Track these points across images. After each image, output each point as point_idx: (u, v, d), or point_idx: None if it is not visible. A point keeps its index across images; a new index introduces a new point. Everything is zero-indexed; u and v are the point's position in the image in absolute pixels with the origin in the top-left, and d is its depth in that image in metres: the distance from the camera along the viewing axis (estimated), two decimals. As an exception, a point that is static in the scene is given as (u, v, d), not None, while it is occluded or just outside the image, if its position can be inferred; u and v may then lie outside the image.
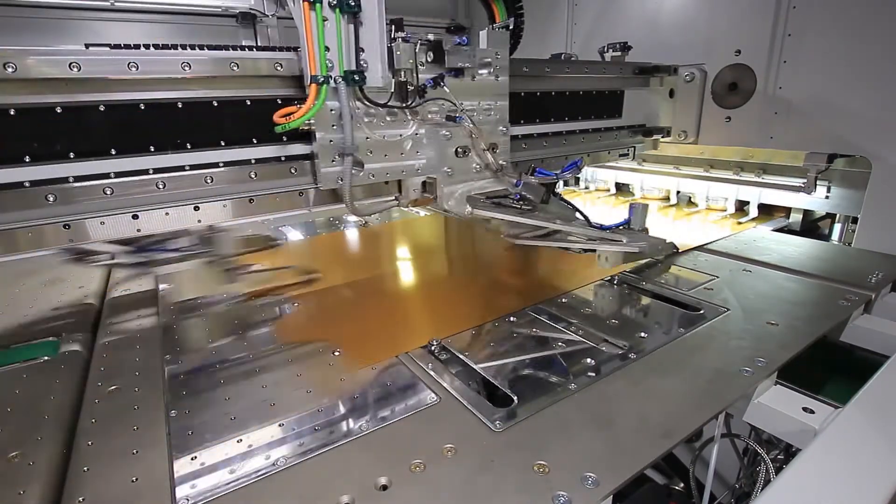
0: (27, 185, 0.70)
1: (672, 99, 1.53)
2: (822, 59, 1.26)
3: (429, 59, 0.91)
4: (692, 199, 1.80)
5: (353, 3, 0.76)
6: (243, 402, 0.70)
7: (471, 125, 0.95)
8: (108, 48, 0.72)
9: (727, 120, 1.47)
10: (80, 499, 0.54)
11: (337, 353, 0.82)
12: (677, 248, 1.22)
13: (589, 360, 0.77)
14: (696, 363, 0.75)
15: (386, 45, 0.83)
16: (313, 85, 0.77)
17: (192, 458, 0.59)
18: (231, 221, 0.90)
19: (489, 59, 0.97)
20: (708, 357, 0.77)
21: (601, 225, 1.11)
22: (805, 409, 0.69)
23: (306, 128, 0.82)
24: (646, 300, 1.01)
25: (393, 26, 0.85)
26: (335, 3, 0.75)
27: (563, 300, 1.00)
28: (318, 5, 0.75)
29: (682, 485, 1.13)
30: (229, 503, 0.53)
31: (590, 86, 1.31)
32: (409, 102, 0.90)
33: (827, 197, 1.43)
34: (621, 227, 1.15)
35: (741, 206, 1.67)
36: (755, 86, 1.40)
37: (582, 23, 1.87)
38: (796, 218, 1.57)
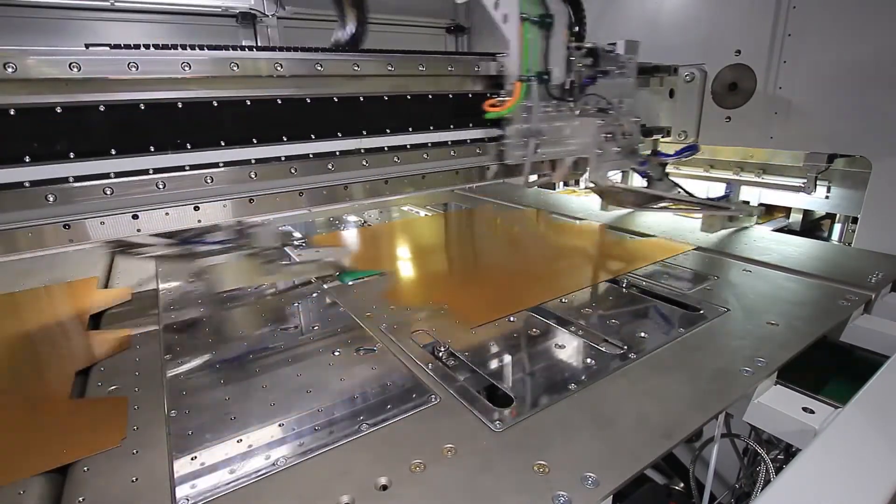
0: (27, 185, 0.70)
1: (672, 99, 1.53)
2: (822, 59, 1.26)
3: (587, 63, 1.09)
4: (692, 199, 1.80)
5: (549, 21, 0.99)
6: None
7: (616, 114, 1.13)
8: (108, 48, 0.72)
9: (727, 120, 1.47)
10: (80, 499, 0.54)
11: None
12: (755, 214, 1.46)
13: (589, 360, 0.77)
14: (696, 363, 0.75)
15: (565, 52, 1.03)
16: (517, 82, 0.98)
17: (192, 458, 0.59)
18: (231, 221, 0.90)
19: (625, 63, 1.17)
20: (708, 357, 0.77)
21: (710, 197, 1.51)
22: (805, 409, 0.69)
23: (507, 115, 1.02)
24: (646, 300, 1.01)
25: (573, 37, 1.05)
26: (536, 20, 0.97)
27: (563, 300, 1.00)
28: (526, 23, 0.96)
29: (682, 485, 1.13)
30: (229, 503, 0.53)
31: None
32: (574, 97, 1.09)
33: (827, 197, 1.43)
34: (722, 199, 1.52)
35: (741, 206, 1.67)
36: (755, 86, 1.40)
37: (582, 23, 1.87)
38: (796, 218, 1.57)
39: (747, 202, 1.65)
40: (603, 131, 1.12)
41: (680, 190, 1.48)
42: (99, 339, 0.91)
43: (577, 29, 1.05)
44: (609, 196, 1.59)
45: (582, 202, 1.81)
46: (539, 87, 1.02)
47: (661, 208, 1.37)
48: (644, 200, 1.38)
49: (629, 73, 1.19)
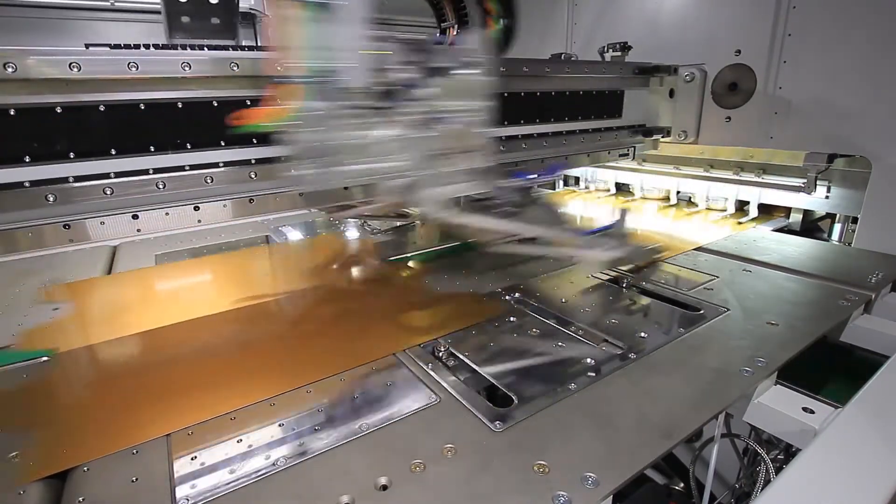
0: (27, 185, 0.70)
1: (672, 99, 1.53)
2: (822, 59, 1.26)
3: (411, 59, 0.86)
4: (692, 200, 1.80)
5: (326, 3, 0.71)
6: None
7: (454, 126, 0.90)
8: (108, 48, 0.72)
9: (727, 120, 1.47)
10: (80, 499, 0.54)
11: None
12: (660, 253, 1.21)
13: (589, 360, 0.77)
14: (696, 363, 0.75)
15: (365, 44, 0.78)
16: (284, 85, 0.73)
17: (192, 458, 0.59)
18: (232, 221, 0.90)
19: (473, 59, 0.92)
20: (708, 357, 0.77)
21: (585, 230, 1.09)
22: (805, 409, 0.69)
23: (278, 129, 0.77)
24: (646, 300, 1.01)
25: (373, 24, 0.79)
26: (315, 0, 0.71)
27: (563, 300, 1.00)
28: (297, 2, 0.70)
29: (682, 485, 1.13)
30: (229, 503, 0.53)
31: (590, 86, 1.31)
32: (389, 103, 0.84)
33: (827, 197, 1.43)
34: (604, 232, 1.13)
35: (741, 206, 1.67)
36: (755, 86, 1.40)
37: (582, 23, 1.87)
38: (796, 218, 1.57)
39: (747, 202, 1.64)
40: (430, 147, 0.89)
41: (562, 220, 1.10)
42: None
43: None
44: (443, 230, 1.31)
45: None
46: (323, 89, 0.76)
47: (525, 243, 1.07)
48: (498, 239, 1.07)
49: (485, 70, 0.94)
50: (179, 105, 0.77)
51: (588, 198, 2.05)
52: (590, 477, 0.53)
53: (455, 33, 1.09)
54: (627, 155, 1.50)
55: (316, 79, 0.75)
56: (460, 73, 0.91)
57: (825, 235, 1.54)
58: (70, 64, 0.67)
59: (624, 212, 1.14)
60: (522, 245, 1.09)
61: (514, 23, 1.03)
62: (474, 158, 0.94)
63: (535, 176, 1.06)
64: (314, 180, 0.80)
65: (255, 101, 0.83)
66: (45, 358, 0.83)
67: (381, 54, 0.82)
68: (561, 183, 2.25)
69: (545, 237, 1.06)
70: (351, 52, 0.77)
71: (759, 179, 1.58)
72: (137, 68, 0.71)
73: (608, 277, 1.10)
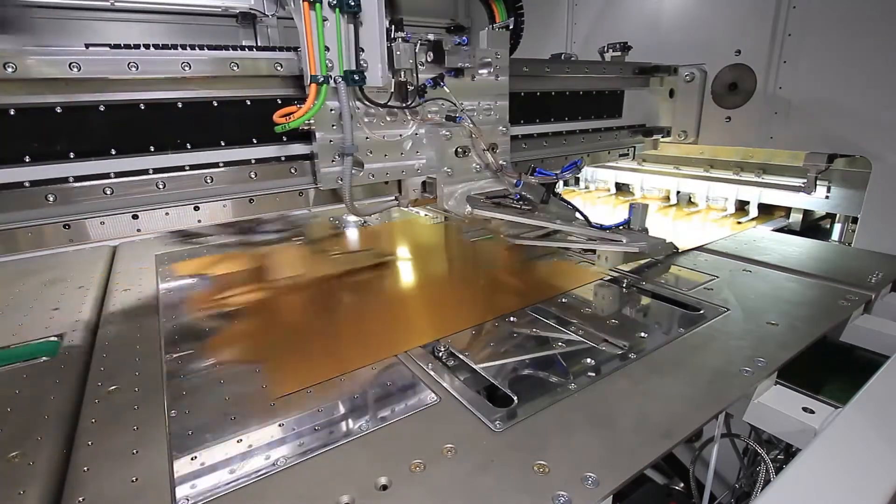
0: (27, 185, 0.70)
1: (672, 99, 1.53)
2: (822, 59, 1.26)
3: (429, 59, 0.91)
4: (692, 199, 1.80)
5: (353, 3, 0.77)
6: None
7: (471, 125, 0.95)
8: (108, 48, 0.72)
9: (727, 120, 1.47)
10: (80, 499, 0.54)
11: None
12: (677, 249, 1.22)
13: (589, 360, 0.77)
14: (696, 363, 0.75)
15: (386, 45, 0.84)
16: (313, 85, 0.78)
17: (192, 458, 0.59)
18: (231, 221, 0.90)
19: (489, 59, 0.97)
20: (708, 357, 0.77)
21: (601, 225, 1.12)
22: (805, 409, 0.69)
23: (306, 128, 0.83)
24: (646, 300, 1.01)
25: (393, 26, 0.86)
26: (335, 2, 0.76)
27: (563, 300, 1.00)
28: (318, 5, 0.75)
29: (682, 485, 1.13)
30: (229, 503, 0.53)
31: (590, 86, 1.31)
32: (408, 102, 0.90)
33: (827, 197, 1.43)
34: (621, 227, 1.17)
35: (741, 206, 1.67)
36: (755, 86, 1.40)
37: (582, 23, 1.87)
38: (796, 218, 1.57)
39: (747, 202, 1.64)
40: (452, 145, 0.95)
41: (578, 215, 1.13)
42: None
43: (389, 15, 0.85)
44: (476, 224, 1.35)
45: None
46: (349, 89, 0.82)
47: (541, 243, 1.12)
48: (519, 232, 1.12)
49: (498, 71, 1.00)
50: (179, 105, 0.77)
51: (588, 198, 2.05)
52: (590, 477, 0.53)
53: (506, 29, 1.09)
54: (627, 155, 1.50)
55: (346, 78, 0.81)
56: (480, 73, 0.96)
57: (825, 235, 1.54)
58: (70, 64, 0.67)
59: (642, 207, 1.18)
60: (542, 240, 1.12)
61: (521, 24, 1.05)
62: (492, 156, 1.00)
63: (554, 174, 1.08)
64: (341, 177, 0.86)
65: (256, 102, 0.83)
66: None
67: (404, 55, 0.87)
68: (561, 183, 2.24)
69: (565, 232, 1.09)
70: (376, 53, 0.82)
71: (759, 179, 1.58)
72: (137, 68, 0.71)
73: (608, 277, 1.10)
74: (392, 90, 0.89)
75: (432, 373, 0.75)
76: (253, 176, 0.85)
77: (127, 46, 0.73)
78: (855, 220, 1.32)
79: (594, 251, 1.10)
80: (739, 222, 1.57)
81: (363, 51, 0.82)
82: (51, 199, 0.71)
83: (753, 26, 1.37)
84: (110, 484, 0.56)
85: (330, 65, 0.79)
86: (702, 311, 0.92)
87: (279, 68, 0.82)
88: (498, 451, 0.58)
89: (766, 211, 1.63)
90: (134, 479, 0.56)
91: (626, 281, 1.08)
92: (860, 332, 0.93)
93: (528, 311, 0.95)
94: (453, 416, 0.65)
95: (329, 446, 0.60)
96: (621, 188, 2.05)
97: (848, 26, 1.21)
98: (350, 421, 0.65)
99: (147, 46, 0.74)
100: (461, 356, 0.79)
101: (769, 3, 1.33)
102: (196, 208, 0.84)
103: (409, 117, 0.93)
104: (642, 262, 1.15)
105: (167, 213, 0.81)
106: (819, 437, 0.60)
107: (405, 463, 0.56)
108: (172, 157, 0.79)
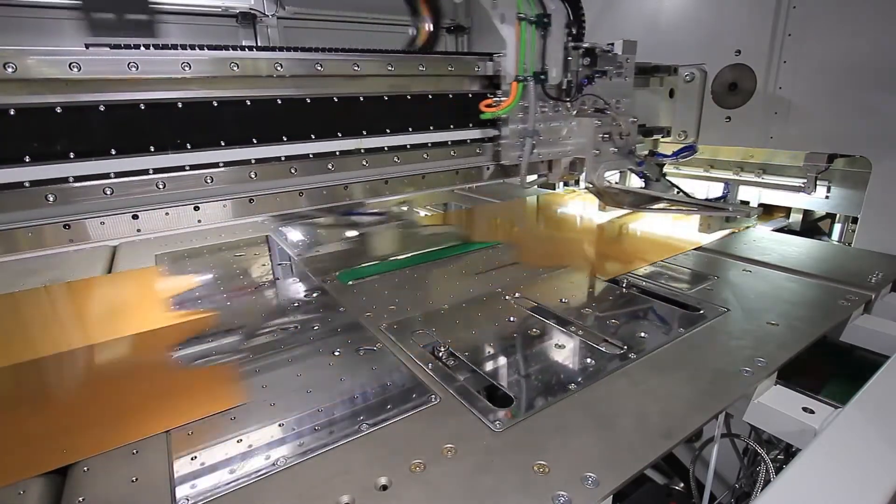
0: (27, 185, 0.70)
1: (672, 99, 1.53)
2: (822, 59, 1.26)
3: (584, 63, 1.09)
4: (692, 199, 1.80)
5: (546, 21, 0.99)
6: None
7: (614, 114, 1.15)
8: (108, 48, 0.72)
9: (727, 120, 1.47)
10: (80, 499, 0.54)
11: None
12: (758, 214, 1.50)
13: (589, 360, 0.77)
14: (696, 363, 0.75)
15: (563, 52, 1.05)
16: (514, 83, 0.99)
17: (192, 458, 0.59)
18: (232, 221, 0.90)
19: (622, 63, 1.18)
20: (708, 357, 0.77)
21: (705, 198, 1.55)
22: (805, 409, 0.69)
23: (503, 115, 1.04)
24: (646, 300, 1.01)
25: (572, 37, 1.06)
26: (534, 19, 0.98)
27: (564, 300, 1.00)
28: (524, 22, 0.96)
29: (682, 485, 1.13)
30: (229, 503, 0.53)
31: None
32: (571, 97, 1.10)
33: (827, 197, 1.43)
34: (720, 200, 1.55)
35: (741, 206, 1.67)
36: (755, 86, 1.40)
37: (582, 23, 1.87)
38: (796, 218, 1.57)
39: (747, 202, 1.65)
40: (600, 132, 1.14)
41: (677, 190, 1.49)
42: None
43: (574, 29, 1.06)
44: (606, 197, 1.56)
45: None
46: (536, 87, 1.02)
47: (660, 209, 1.34)
48: (642, 201, 1.36)
49: (626, 73, 1.20)
50: (179, 105, 0.77)
51: (588, 197, 2.04)
52: (590, 477, 0.53)
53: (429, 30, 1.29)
54: (627, 155, 1.50)
55: (535, 78, 1.01)
56: (614, 75, 1.17)
57: (825, 235, 1.54)
58: (70, 64, 0.66)
59: (729, 185, 1.58)
60: (661, 207, 1.30)
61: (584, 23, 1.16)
62: (628, 141, 1.19)
63: (671, 155, 1.47)
64: (519, 158, 1.07)
65: (256, 101, 0.83)
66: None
67: (574, 60, 1.07)
68: (561, 183, 2.24)
69: (675, 202, 1.31)
70: (558, 59, 1.04)
71: (759, 179, 1.58)
72: (137, 68, 0.71)
73: (608, 277, 1.10)
74: (562, 87, 1.09)
75: (432, 373, 0.75)
76: (253, 176, 0.85)
77: (127, 46, 0.73)
78: (855, 220, 1.32)
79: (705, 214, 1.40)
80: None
81: (548, 56, 1.02)
82: (51, 199, 0.71)
83: (753, 26, 1.37)
84: (110, 484, 0.56)
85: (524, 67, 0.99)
86: (702, 311, 0.92)
87: (279, 68, 0.82)
88: (498, 451, 0.58)
89: (766, 211, 1.63)
90: (134, 479, 0.56)
91: (626, 281, 1.08)
92: (860, 332, 0.93)
93: (529, 311, 0.95)
94: (453, 416, 0.65)
95: (329, 446, 0.60)
96: (621, 188, 2.05)
97: (848, 26, 1.21)
98: (350, 421, 0.65)
99: (147, 46, 0.74)
100: (461, 356, 0.79)
101: (769, 3, 1.33)
102: (196, 208, 0.84)
103: (568, 110, 1.12)
104: (723, 231, 1.42)
105: (167, 213, 0.81)
106: (819, 437, 0.60)
107: (405, 463, 0.56)
108: (172, 157, 0.78)
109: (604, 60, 1.11)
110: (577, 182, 2.21)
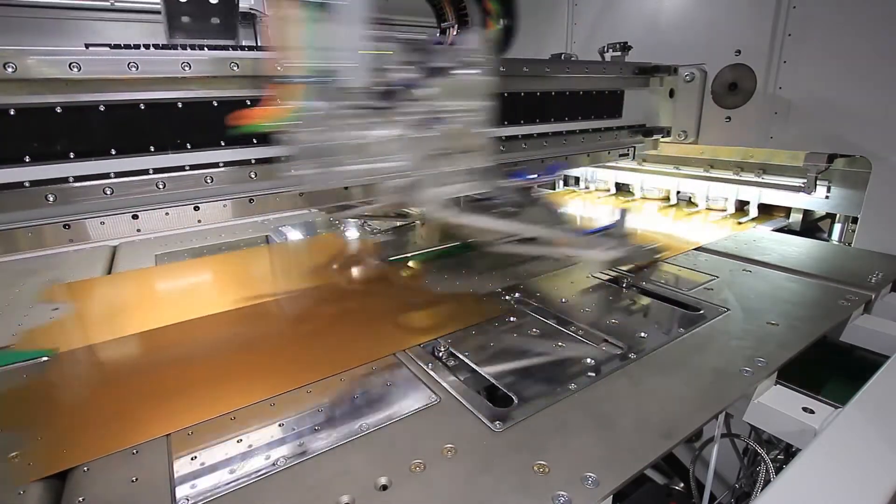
0: (27, 185, 0.70)
1: (672, 99, 1.53)
2: (822, 59, 1.26)
3: (411, 59, 0.85)
4: (692, 200, 1.80)
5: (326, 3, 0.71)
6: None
7: (453, 126, 0.88)
8: (108, 48, 0.72)
9: (727, 120, 1.47)
10: (80, 499, 0.54)
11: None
12: (660, 253, 1.20)
13: (589, 360, 0.77)
14: (696, 363, 0.75)
15: (365, 44, 0.77)
16: (285, 85, 0.73)
17: (192, 458, 0.59)
18: (232, 221, 0.90)
19: (473, 59, 0.90)
20: (708, 357, 0.77)
21: (585, 230, 1.10)
22: (805, 409, 0.69)
23: (276, 129, 0.76)
24: (646, 300, 1.01)
25: (373, 24, 0.78)
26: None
27: (564, 300, 1.00)
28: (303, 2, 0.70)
29: (682, 485, 1.13)
30: (229, 503, 0.53)
31: (590, 86, 1.31)
32: (389, 103, 0.83)
33: (827, 197, 1.43)
34: (604, 232, 1.12)
35: (741, 206, 1.67)
36: (755, 86, 1.40)
37: (582, 23, 1.87)
38: (796, 218, 1.57)
39: (746, 202, 1.64)
40: (430, 147, 0.87)
41: (562, 219, 1.11)
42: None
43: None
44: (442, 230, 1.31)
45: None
46: (324, 89, 0.75)
47: (526, 243, 1.06)
48: (496, 236, 1.06)
49: (484, 70, 0.92)
50: (179, 105, 0.77)
51: (588, 198, 2.05)
52: (590, 477, 0.53)
53: (455, 33, 1.12)
54: (627, 155, 1.50)
55: (316, 79, 0.74)
56: (460, 73, 0.89)
57: (825, 235, 1.54)
58: (70, 64, 0.66)
59: (624, 212, 1.14)
60: (522, 245, 1.10)
61: (515, 23, 1.05)
62: (474, 158, 0.93)
63: (535, 176, 1.08)
64: (314, 180, 0.79)
65: (256, 101, 0.83)
66: (44, 358, 0.83)
67: (381, 54, 0.81)
68: (561, 183, 2.25)
69: (545, 237, 1.06)
70: (351, 52, 0.76)
71: (759, 179, 1.58)
72: (137, 68, 0.71)
73: (608, 277, 1.10)
74: (372, 90, 0.81)
75: (432, 373, 0.75)
76: (253, 176, 0.85)
77: (127, 46, 0.73)
78: (855, 220, 1.32)
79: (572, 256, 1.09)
80: (739, 222, 1.57)
81: (341, 49, 0.75)
82: (51, 199, 0.71)
83: (753, 26, 1.37)
84: (110, 484, 0.56)
85: (305, 63, 0.73)
86: (702, 311, 0.92)
87: (280, 69, 0.81)
88: (498, 451, 0.58)
89: (766, 211, 1.63)
90: (134, 479, 0.56)
91: (626, 281, 1.08)
92: (860, 332, 0.93)
93: (529, 311, 0.95)
94: (453, 416, 0.65)
95: (329, 446, 0.60)
96: (621, 188, 2.05)
97: (848, 26, 1.21)
98: (350, 421, 0.65)
99: (147, 46, 0.74)
100: (461, 356, 0.79)
101: (769, 3, 1.33)
102: (196, 208, 0.84)
103: (391, 118, 0.84)
104: (625, 268, 1.13)
105: (167, 213, 0.81)
106: (819, 437, 0.60)
107: (405, 463, 0.56)
108: (172, 157, 0.78)
109: (439, 56, 0.86)
110: (576, 181, 2.21)
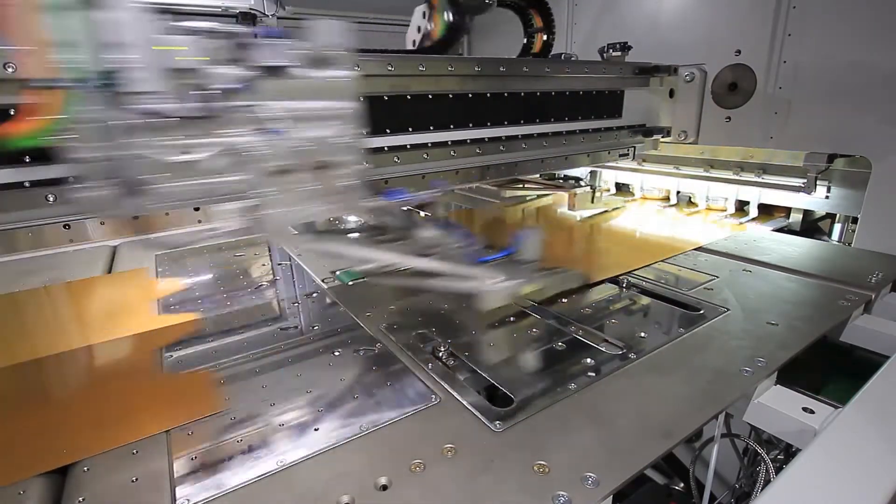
0: (27, 185, 0.70)
1: (672, 99, 1.53)
2: (821, 59, 1.26)
3: (235, 56, 0.68)
4: (692, 200, 1.80)
5: None
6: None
7: (295, 137, 0.72)
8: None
9: (727, 120, 1.47)
10: (80, 499, 0.54)
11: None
12: (575, 282, 1.08)
13: (589, 360, 0.77)
14: (697, 363, 0.75)
15: (157, 38, 0.62)
16: (49, 90, 0.57)
17: (192, 458, 0.59)
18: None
19: (323, 55, 0.73)
20: (708, 357, 0.77)
21: (480, 257, 0.90)
22: (805, 409, 0.69)
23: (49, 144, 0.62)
24: (646, 300, 1.01)
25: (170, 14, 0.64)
26: None
27: (563, 300, 1.00)
28: None
29: (682, 485, 1.13)
30: (229, 503, 0.53)
31: (590, 86, 1.31)
32: (206, 111, 0.66)
33: (827, 197, 1.43)
34: (505, 258, 0.94)
35: (741, 206, 1.67)
36: (755, 86, 1.40)
37: (582, 23, 1.87)
38: (796, 218, 1.57)
39: (746, 202, 1.64)
40: (279, 162, 0.71)
41: (459, 241, 0.90)
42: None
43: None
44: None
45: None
46: (106, 95, 0.58)
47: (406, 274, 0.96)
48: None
49: (340, 68, 0.74)
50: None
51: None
52: (590, 477, 0.53)
53: (545, 39, 1.15)
54: (627, 155, 1.50)
55: (89, 81, 0.57)
56: (305, 72, 0.72)
57: (825, 235, 1.54)
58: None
59: (527, 232, 0.97)
60: (409, 278, 0.97)
61: (463, 21, 1.03)
62: (333, 175, 0.76)
63: (411, 196, 0.90)
64: (112, 204, 0.62)
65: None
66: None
67: (181, 49, 0.65)
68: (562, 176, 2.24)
69: (432, 269, 0.89)
70: (136, 47, 0.59)
71: (759, 179, 1.58)
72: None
73: (608, 277, 1.10)
74: (182, 94, 0.65)
75: (432, 373, 0.75)
76: (50, 200, 0.80)
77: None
78: (855, 220, 1.32)
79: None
80: (740, 222, 1.57)
81: (125, 45, 0.59)
82: (51, 199, 0.71)
83: (753, 26, 1.37)
84: (110, 484, 0.56)
85: (74, 64, 0.57)
86: (702, 311, 0.93)
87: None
88: (498, 451, 0.58)
89: (766, 211, 1.63)
90: (134, 479, 0.56)
91: (626, 281, 1.08)
92: (860, 332, 0.93)
93: (529, 311, 0.95)
94: (453, 416, 0.65)
95: (329, 446, 0.60)
96: (621, 188, 2.05)
97: (848, 26, 1.21)
98: (350, 421, 0.65)
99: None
100: (461, 356, 0.79)
101: (769, 3, 1.33)
102: (196, 208, 0.84)
103: (212, 129, 0.68)
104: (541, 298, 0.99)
105: (167, 213, 0.81)
106: (819, 438, 0.60)
107: (405, 463, 0.56)
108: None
109: (273, 52, 0.68)
110: (576, 182, 2.21)
